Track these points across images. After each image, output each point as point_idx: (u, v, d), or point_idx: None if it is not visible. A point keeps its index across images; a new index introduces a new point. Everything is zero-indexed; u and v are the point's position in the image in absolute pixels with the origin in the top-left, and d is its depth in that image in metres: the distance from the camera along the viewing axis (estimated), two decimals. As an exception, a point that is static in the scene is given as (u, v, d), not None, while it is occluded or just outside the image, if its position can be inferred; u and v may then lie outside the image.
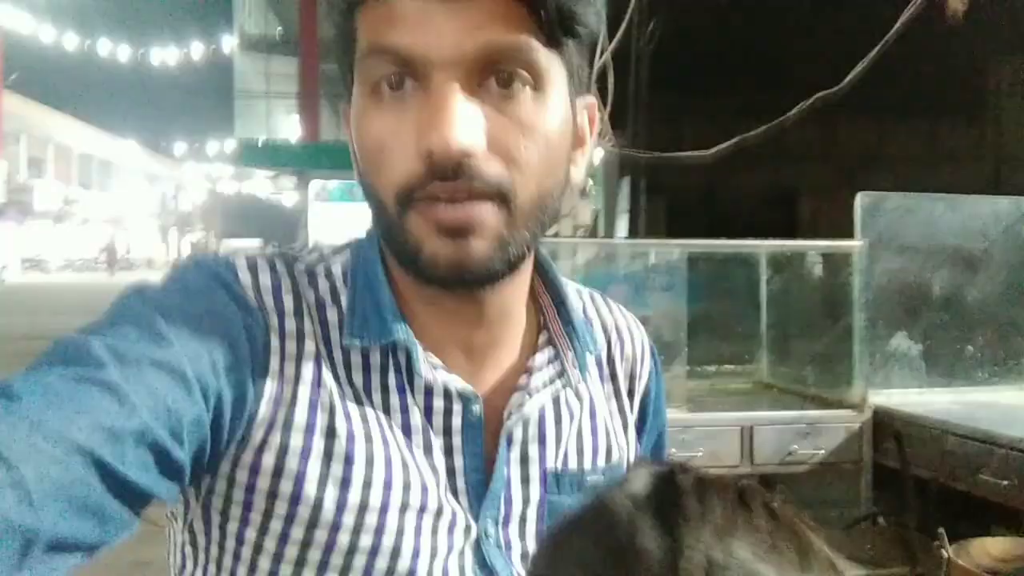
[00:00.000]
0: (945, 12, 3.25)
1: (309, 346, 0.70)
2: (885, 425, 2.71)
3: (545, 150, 0.67)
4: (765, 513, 0.47)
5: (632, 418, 0.85)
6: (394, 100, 0.64)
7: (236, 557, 0.70)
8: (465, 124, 0.62)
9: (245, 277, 0.70)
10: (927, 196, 2.92)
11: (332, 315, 0.72)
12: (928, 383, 2.91)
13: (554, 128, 0.67)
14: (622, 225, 9.19)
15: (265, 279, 0.71)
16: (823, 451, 2.70)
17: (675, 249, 3.08)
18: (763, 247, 3.20)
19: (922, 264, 2.96)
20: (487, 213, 0.65)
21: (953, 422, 2.52)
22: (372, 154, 0.67)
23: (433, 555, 0.70)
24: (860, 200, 2.85)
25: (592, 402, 0.81)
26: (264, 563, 0.69)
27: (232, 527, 0.69)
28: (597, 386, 0.82)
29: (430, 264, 0.67)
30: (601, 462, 0.79)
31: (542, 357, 0.77)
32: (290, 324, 0.70)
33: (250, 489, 0.67)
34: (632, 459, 0.85)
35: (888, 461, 2.70)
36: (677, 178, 6.63)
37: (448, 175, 0.63)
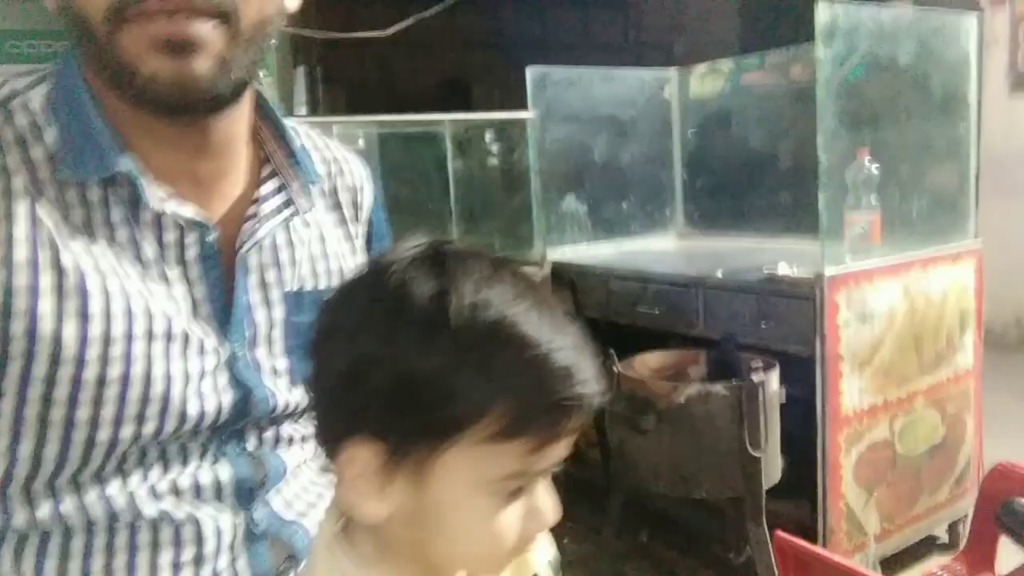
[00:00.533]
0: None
1: (17, 182, 0.66)
2: (561, 276, 3.05)
3: None
4: (514, 274, 0.57)
5: (360, 243, 0.89)
6: None
7: None
8: None
9: None
10: (586, 69, 3.23)
11: (37, 152, 0.68)
12: (594, 237, 3.31)
13: None
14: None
15: None
16: (511, 304, 2.98)
17: (358, 130, 3.13)
18: (445, 121, 3.36)
19: (584, 132, 3.31)
20: (209, 30, 0.64)
21: (614, 267, 2.92)
22: None
23: (186, 379, 0.71)
24: (530, 73, 3.09)
25: (320, 228, 0.84)
26: (6, 406, 0.66)
27: None
28: (324, 214, 0.85)
29: (149, 84, 0.65)
30: (336, 283, 0.82)
31: (268, 187, 0.79)
32: None
33: None
34: None
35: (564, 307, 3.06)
36: (355, 67, 6.56)
37: None
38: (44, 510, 0.69)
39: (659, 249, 3.34)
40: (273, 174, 0.80)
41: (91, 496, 0.69)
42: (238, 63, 0.68)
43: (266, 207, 0.78)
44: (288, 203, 0.80)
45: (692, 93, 3.43)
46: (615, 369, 2.24)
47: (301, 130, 0.89)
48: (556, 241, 3.19)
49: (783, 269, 2.29)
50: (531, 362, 0.53)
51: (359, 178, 0.91)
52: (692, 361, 2.33)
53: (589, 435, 2.70)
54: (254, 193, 0.78)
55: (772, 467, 2.19)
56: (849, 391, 2.25)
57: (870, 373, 2.30)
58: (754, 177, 3.25)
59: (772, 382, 2.13)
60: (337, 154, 0.91)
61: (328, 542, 0.60)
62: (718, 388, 2.09)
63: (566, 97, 3.20)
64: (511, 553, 0.59)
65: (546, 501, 0.59)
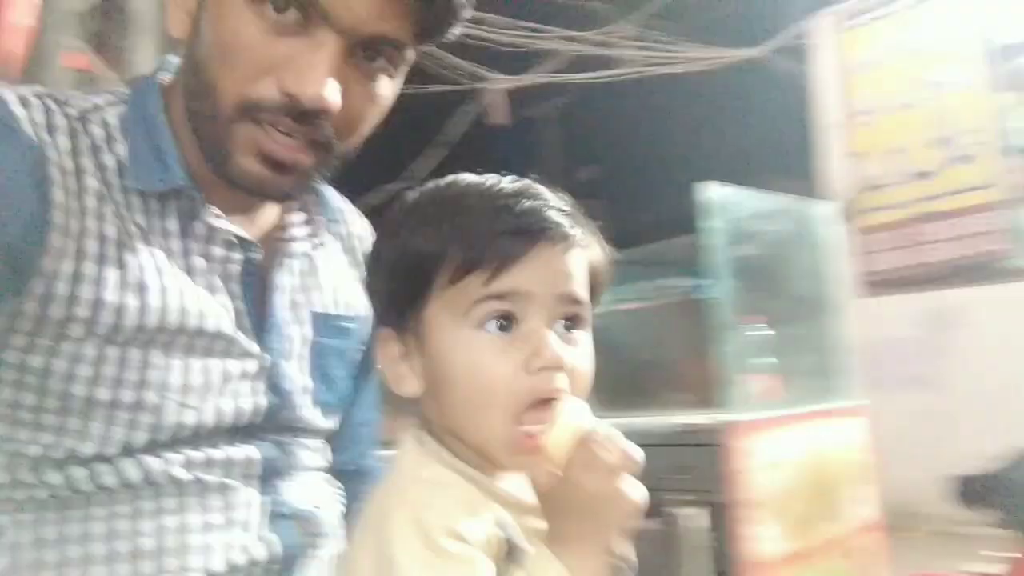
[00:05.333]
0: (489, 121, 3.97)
1: (90, 182, 0.71)
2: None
3: (377, 119, 0.77)
4: None
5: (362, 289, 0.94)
6: (277, 23, 0.68)
7: (19, 386, 0.69)
8: (335, 86, 0.69)
9: (19, 111, 0.70)
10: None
11: (109, 160, 0.74)
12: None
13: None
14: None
15: (39, 116, 0.71)
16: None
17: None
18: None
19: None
20: (310, 160, 0.73)
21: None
22: (229, 50, 0.70)
23: (226, 377, 0.75)
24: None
25: (337, 265, 0.90)
26: (55, 385, 0.69)
27: (12, 357, 0.69)
28: (340, 255, 0.91)
29: (237, 175, 0.72)
30: (354, 312, 0.88)
31: (297, 217, 0.85)
32: (68, 162, 0.71)
33: (41, 320, 0.68)
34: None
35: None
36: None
37: (302, 119, 0.70)
38: (79, 474, 0.69)
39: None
40: (300, 206, 0.86)
41: (126, 462, 0.70)
42: (319, 176, 0.78)
43: (296, 232, 0.84)
44: (315, 233, 0.86)
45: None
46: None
47: None
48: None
49: (690, 419, 2.39)
50: (468, 206, 0.63)
51: (362, 229, 0.96)
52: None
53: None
54: (283, 220, 0.84)
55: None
56: (765, 537, 2.29)
57: (783, 520, 2.36)
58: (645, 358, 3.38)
59: (697, 518, 2.14)
60: (344, 205, 0.97)
61: (412, 445, 0.66)
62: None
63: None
64: (509, 395, 0.60)
65: (540, 333, 0.61)
